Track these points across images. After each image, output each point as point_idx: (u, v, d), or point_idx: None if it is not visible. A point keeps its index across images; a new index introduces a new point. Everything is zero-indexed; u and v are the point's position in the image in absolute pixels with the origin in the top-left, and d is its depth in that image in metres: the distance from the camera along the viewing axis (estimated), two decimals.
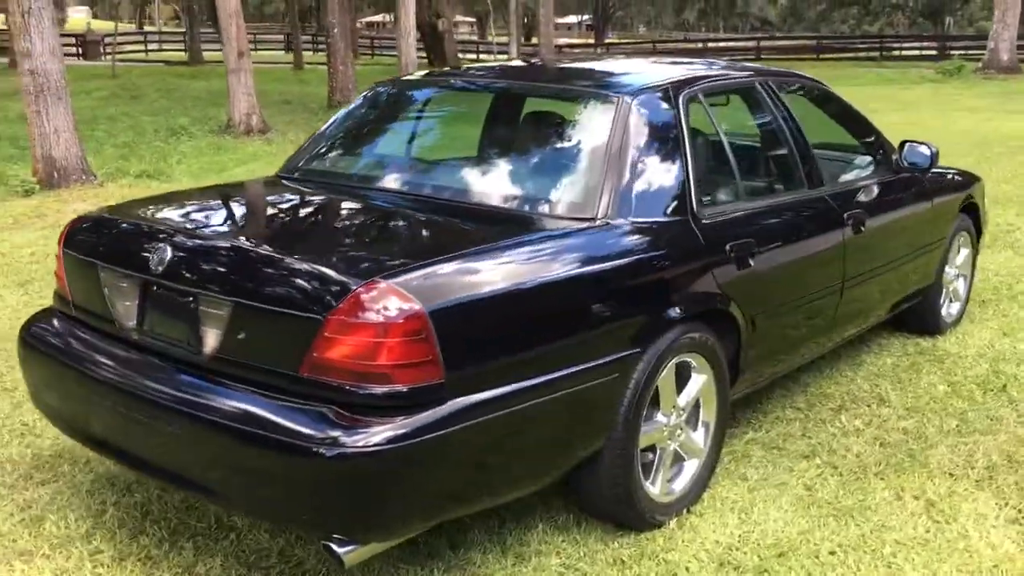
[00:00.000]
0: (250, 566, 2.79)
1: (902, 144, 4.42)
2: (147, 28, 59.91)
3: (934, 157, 4.36)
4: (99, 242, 2.97)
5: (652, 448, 3.08)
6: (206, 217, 3.20)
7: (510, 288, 2.54)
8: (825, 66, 30.55)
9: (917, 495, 3.32)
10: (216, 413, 2.42)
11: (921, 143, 4.38)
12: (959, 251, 5.04)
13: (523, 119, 3.53)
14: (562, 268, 2.71)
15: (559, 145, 3.29)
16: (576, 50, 44.08)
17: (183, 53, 35.87)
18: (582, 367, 2.67)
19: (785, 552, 2.95)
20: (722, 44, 49.66)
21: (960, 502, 3.28)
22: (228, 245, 2.76)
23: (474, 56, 28.80)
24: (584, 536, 3.02)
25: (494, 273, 2.55)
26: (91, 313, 2.89)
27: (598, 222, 2.89)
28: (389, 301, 2.29)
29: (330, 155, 3.56)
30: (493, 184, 3.22)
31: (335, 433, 2.26)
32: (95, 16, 61.74)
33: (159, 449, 2.58)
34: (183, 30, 51.39)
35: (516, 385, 2.51)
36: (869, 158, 4.42)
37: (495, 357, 2.50)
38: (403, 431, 2.29)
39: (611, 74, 3.75)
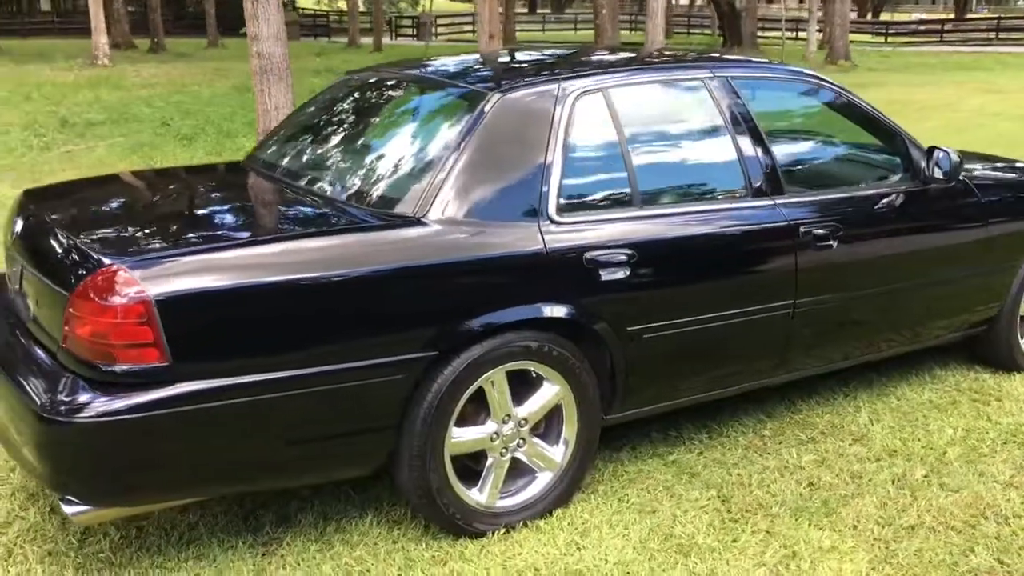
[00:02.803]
0: None
1: (930, 150, 3.85)
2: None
3: (954, 167, 3.77)
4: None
5: (484, 454, 3.03)
6: (79, 197, 3.43)
7: (262, 282, 2.60)
8: None
9: (786, 545, 2.98)
10: (14, 370, 2.74)
11: (944, 149, 3.80)
12: None
13: (393, 113, 3.50)
14: (341, 264, 2.71)
15: (409, 139, 3.24)
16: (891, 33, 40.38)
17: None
18: (349, 366, 2.68)
19: None
20: None
21: (827, 561, 2.90)
22: (48, 221, 2.99)
23: (780, 35, 27.43)
24: (405, 534, 3.05)
25: (249, 265, 2.62)
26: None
27: (413, 219, 2.87)
28: (119, 285, 2.48)
29: (267, 142, 3.76)
30: (337, 176, 3.26)
31: (60, 402, 2.49)
32: None
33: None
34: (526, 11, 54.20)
35: (262, 376, 2.58)
36: (880, 167, 3.90)
37: (236, 348, 2.59)
38: (116, 406, 2.47)
39: (504, 67, 3.63)
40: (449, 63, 3.83)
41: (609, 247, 3.07)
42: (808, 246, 3.48)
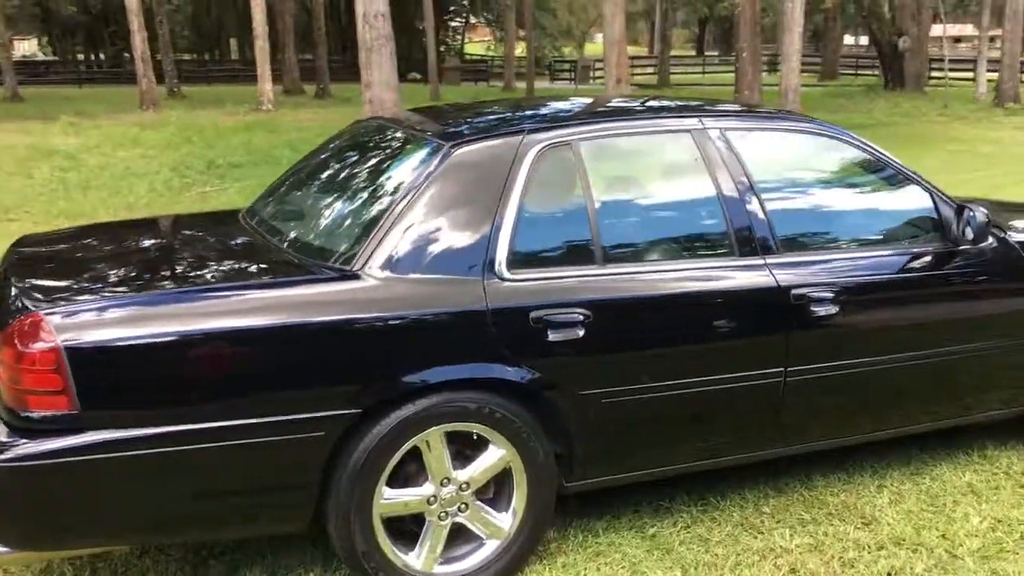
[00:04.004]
0: None
1: (960, 209, 3.49)
2: (649, 52, 63.09)
3: (980, 228, 3.40)
4: None
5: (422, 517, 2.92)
6: (58, 245, 3.52)
7: (174, 333, 2.59)
8: None
9: None
10: None
11: (974, 208, 3.43)
12: None
13: (364, 163, 3.41)
14: (259, 317, 2.69)
15: (366, 191, 3.18)
16: None
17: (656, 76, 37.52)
18: (264, 420, 2.64)
19: None
20: None
21: None
22: (10, 268, 3.07)
23: (942, 75, 25.87)
24: None
25: (162, 316, 2.62)
26: None
27: (347, 272, 2.82)
28: (35, 333, 2.53)
29: (267, 190, 3.79)
30: (293, 226, 3.24)
31: None
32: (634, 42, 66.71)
33: None
34: (692, 54, 53.93)
35: (172, 428, 2.58)
36: (902, 227, 3.55)
37: (147, 399, 2.59)
38: (29, 451, 2.51)
39: (473, 117, 3.51)
40: (444, 112, 3.78)
41: (560, 306, 2.92)
42: (802, 310, 3.21)
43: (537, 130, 3.12)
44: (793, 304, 3.20)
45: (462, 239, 2.91)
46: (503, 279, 2.89)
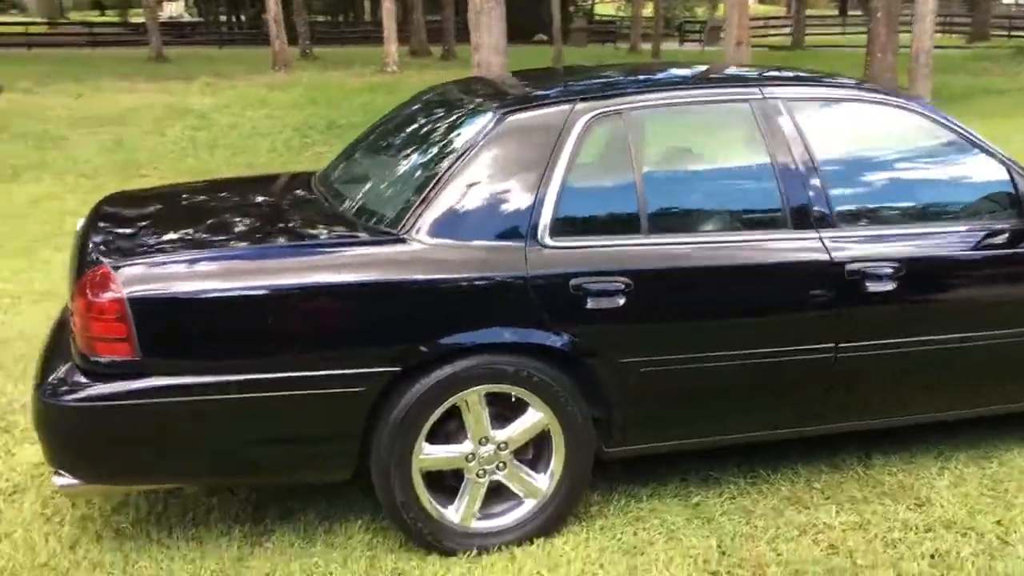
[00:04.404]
0: None
1: None
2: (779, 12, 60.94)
3: None
4: None
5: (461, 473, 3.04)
6: (138, 203, 3.75)
7: (235, 289, 2.77)
8: None
9: None
10: (50, 359, 3.09)
11: None
12: None
13: (422, 131, 3.48)
14: (306, 277, 2.81)
15: (418, 157, 3.26)
16: None
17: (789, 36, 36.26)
18: (309, 374, 2.79)
19: None
20: None
21: None
22: (92, 224, 3.31)
23: None
24: (384, 543, 3.11)
25: (227, 273, 2.79)
26: None
27: (394, 236, 2.92)
28: (103, 284, 2.74)
29: (340, 155, 3.93)
30: (353, 190, 3.35)
31: (56, 386, 2.80)
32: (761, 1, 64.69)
33: None
34: (834, 13, 51.80)
35: (225, 377, 2.76)
36: (975, 202, 3.41)
37: (203, 349, 2.77)
38: (94, 393, 2.74)
39: (527, 86, 3.52)
40: (505, 79, 3.83)
41: (600, 274, 2.96)
42: (858, 286, 3.14)
43: (589, 99, 3.14)
44: (848, 279, 3.14)
45: (506, 206, 2.98)
46: (545, 246, 2.94)
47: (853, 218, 3.24)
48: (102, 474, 2.88)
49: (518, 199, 2.98)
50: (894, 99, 3.43)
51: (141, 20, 36.15)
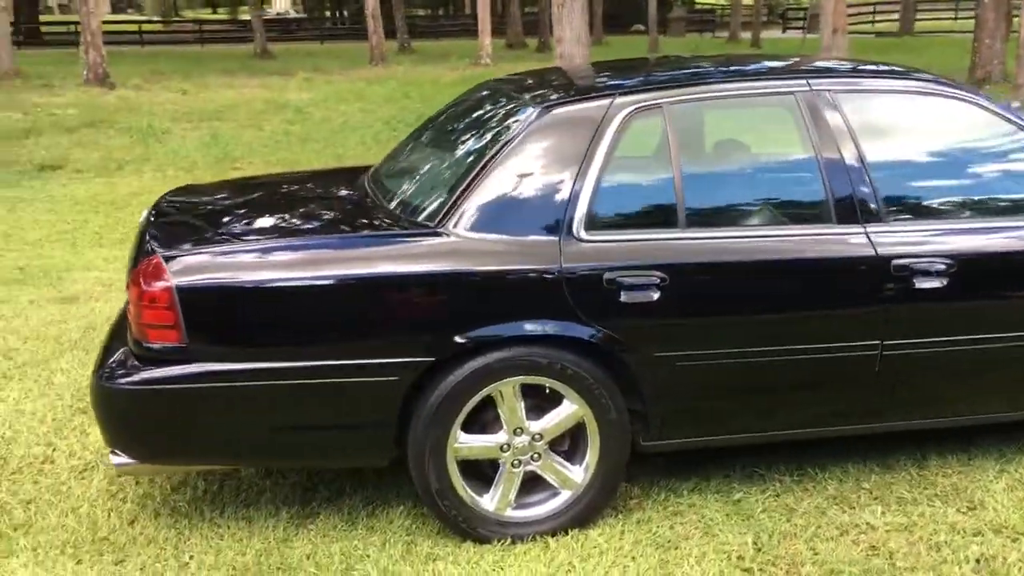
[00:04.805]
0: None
1: None
2: None
3: None
4: None
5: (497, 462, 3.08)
6: (197, 196, 3.90)
7: (275, 280, 2.87)
8: None
9: None
10: (110, 344, 3.26)
11: None
12: None
13: (468, 125, 3.49)
14: (344, 269, 2.89)
15: (460, 152, 3.29)
16: None
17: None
18: (347, 363, 2.87)
19: None
20: None
21: None
22: (153, 216, 3.48)
23: None
24: (422, 529, 3.18)
25: (269, 264, 2.90)
26: None
27: (430, 229, 2.98)
28: (155, 273, 2.88)
29: (393, 150, 4.01)
30: (397, 184, 3.41)
31: (111, 369, 2.96)
32: None
33: None
34: None
35: (266, 364, 2.87)
36: None
37: (246, 337, 2.89)
38: (145, 377, 2.88)
39: (568, 81, 3.51)
40: (550, 74, 3.84)
41: (635, 268, 2.96)
42: (904, 282, 3.07)
43: (629, 92, 3.15)
44: (894, 275, 3.06)
45: (541, 200, 3.01)
46: (580, 239, 2.96)
47: (903, 212, 3.17)
48: (152, 454, 3.03)
49: (554, 193, 3.00)
50: (950, 90, 3.32)
51: (249, 17, 37.26)
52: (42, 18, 40.78)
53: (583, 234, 2.97)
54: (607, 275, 2.94)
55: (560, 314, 2.95)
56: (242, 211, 3.58)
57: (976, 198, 3.29)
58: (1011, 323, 3.18)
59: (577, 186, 3.00)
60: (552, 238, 2.96)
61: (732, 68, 3.61)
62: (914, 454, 3.56)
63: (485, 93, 3.72)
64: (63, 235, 7.64)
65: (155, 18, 53.40)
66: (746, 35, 32.59)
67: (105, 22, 26.28)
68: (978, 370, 3.23)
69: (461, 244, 2.95)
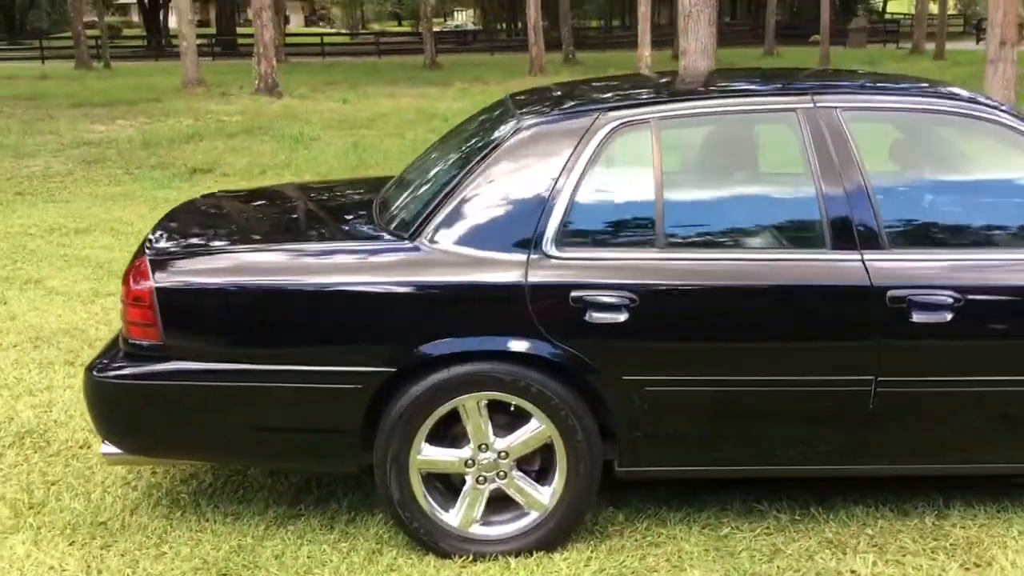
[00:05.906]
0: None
1: None
2: None
3: None
4: None
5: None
6: (213, 204, 4.06)
7: (246, 285, 2.95)
8: None
9: None
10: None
11: None
12: None
13: (470, 137, 3.40)
14: (314, 277, 2.93)
15: (449, 165, 3.25)
16: None
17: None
18: (312, 369, 2.92)
19: None
20: None
21: None
22: (165, 219, 3.63)
23: None
24: (394, 538, 3.17)
25: (241, 269, 2.98)
26: None
27: (404, 240, 2.98)
28: (140, 275, 3.02)
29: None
30: (392, 195, 3.40)
31: (100, 363, 3.12)
32: None
33: None
34: None
35: (236, 366, 2.95)
36: None
37: (218, 337, 2.99)
38: (126, 372, 3.02)
39: (560, 96, 3.39)
40: (565, 87, 3.78)
41: (602, 288, 2.86)
42: (901, 315, 2.82)
43: (614, 108, 3.05)
44: (889, 307, 2.83)
45: (513, 215, 2.96)
46: (548, 256, 2.89)
47: (907, 239, 2.92)
48: (135, 446, 3.17)
49: (526, 208, 2.95)
50: (972, 107, 3.02)
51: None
52: (240, 30, 43.53)
53: (552, 250, 2.90)
54: (573, 293, 2.86)
55: (524, 331, 2.89)
56: (243, 219, 3.71)
57: (987, 227, 2.99)
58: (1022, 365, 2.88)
59: (550, 202, 2.93)
60: (519, 253, 2.90)
61: (730, 86, 3.43)
62: (935, 501, 3.27)
63: (492, 108, 3.69)
64: None
65: (343, 31, 55.95)
66: (931, 46, 30.83)
67: (290, 34, 27.74)
68: (982, 414, 2.93)
69: (430, 256, 2.94)
